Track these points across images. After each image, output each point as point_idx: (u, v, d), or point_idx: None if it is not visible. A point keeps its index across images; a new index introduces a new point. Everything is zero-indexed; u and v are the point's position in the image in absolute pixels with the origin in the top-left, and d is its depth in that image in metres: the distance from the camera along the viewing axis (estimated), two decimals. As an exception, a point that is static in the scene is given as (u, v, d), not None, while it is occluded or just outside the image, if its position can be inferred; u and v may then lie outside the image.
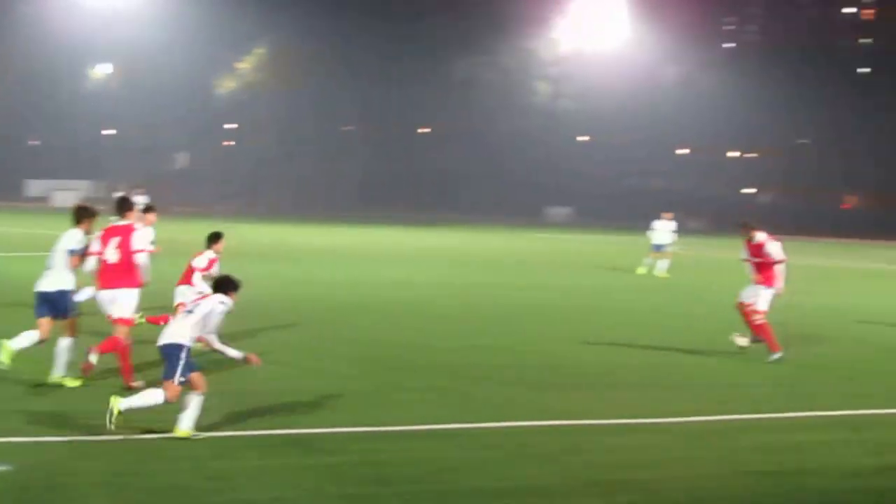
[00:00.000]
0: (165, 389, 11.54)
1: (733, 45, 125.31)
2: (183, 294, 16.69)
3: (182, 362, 11.54)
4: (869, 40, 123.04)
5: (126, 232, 14.48)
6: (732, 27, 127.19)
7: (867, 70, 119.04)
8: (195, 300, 12.39)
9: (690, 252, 48.37)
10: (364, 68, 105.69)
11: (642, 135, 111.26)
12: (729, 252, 46.13)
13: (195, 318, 11.79)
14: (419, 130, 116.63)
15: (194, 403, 11.50)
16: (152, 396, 11.60)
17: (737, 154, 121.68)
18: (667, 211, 39.51)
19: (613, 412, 13.75)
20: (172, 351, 11.61)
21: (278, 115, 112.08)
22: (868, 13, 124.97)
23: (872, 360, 19.44)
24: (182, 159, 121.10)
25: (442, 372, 16.27)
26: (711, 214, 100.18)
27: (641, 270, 38.04)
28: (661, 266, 37.68)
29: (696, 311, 26.74)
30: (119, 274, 14.37)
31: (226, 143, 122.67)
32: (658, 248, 37.98)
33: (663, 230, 38.16)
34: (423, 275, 35.09)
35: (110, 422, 11.32)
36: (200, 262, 17.06)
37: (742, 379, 16.85)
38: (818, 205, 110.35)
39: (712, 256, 51.10)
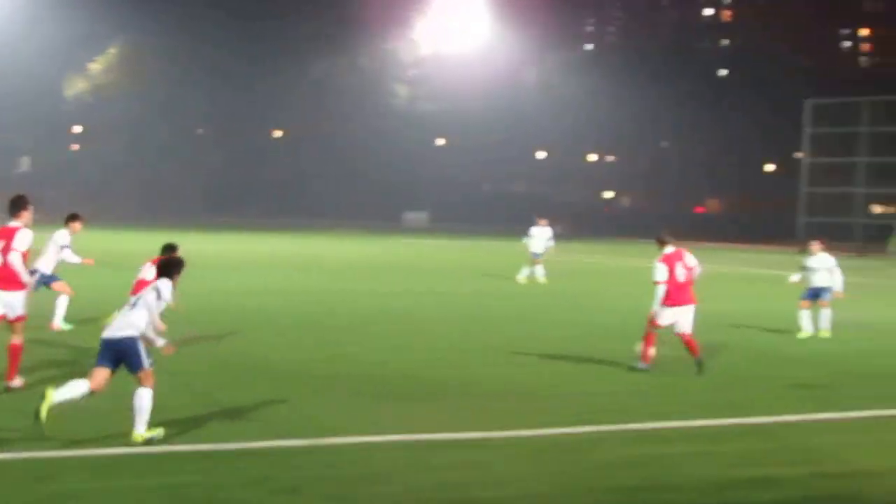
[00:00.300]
0: (143, 381, 11.89)
1: (593, 46, 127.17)
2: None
3: (142, 350, 11.98)
4: (727, 42, 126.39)
5: (9, 234, 14.61)
6: (592, 29, 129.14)
7: (725, 72, 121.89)
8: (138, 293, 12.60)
9: (561, 257, 48.67)
10: (218, 69, 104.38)
11: (502, 138, 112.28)
12: (591, 257, 46.38)
13: (140, 310, 12.12)
14: (274, 133, 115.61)
15: (146, 402, 11.86)
16: (79, 386, 11.95)
17: (596, 157, 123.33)
18: (542, 217, 39.63)
19: (465, 425, 13.35)
20: (128, 344, 11.94)
21: (129, 118, 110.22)
22: (727, 14, 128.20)
23: (740, 367, 19.43)
24: (24, 163, 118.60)
25: (285, 382, 15.87)
26: (571, 219, 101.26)
27: (522, 279, 37.56)
28: (540, 273, 37.65)
29: (567, 319, 26.56)
30: (7, 276, 14.55)
31: (73, 147, 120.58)
32: (536, 256, 37.89)
33: (540, 237, 38.19)
34: (274, 282, 34.60)
35: (38, 416, 11.60)
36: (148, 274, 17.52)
37: (609, 388, 16.66)
38: (681, 208, 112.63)
39: (579, 261, 51.32)
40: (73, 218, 21.11)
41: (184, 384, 15.45)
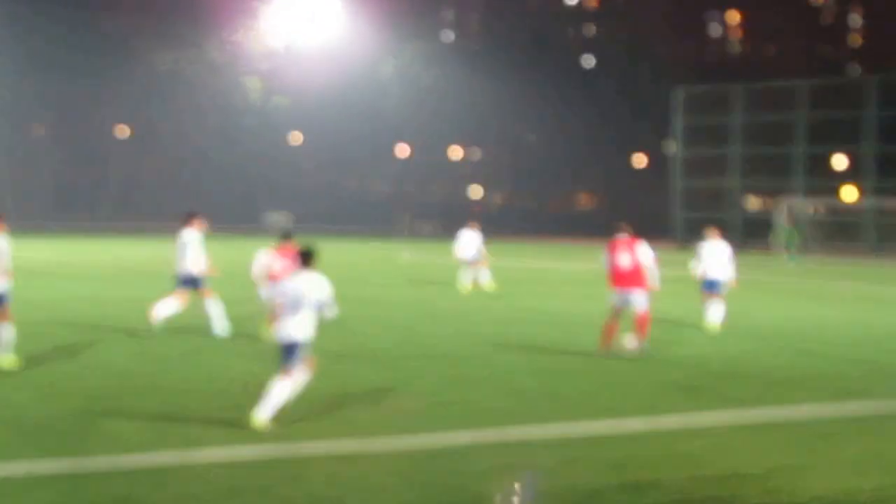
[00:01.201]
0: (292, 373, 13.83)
1: (453, 35, 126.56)
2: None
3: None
4: (593, 29, 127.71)
5: None
6: (452, 17, 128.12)
7: (592, 60, 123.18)
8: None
9: (433, 260, 48.55)
10: (53, 63, 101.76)
11: (361, 133, 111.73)
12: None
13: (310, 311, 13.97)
14: (118, 130, 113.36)
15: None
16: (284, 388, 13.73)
17: (461, 152, 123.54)
18: (473, 220, 39.72)
19: (340, 435, 13.47)
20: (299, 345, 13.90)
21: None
22: (591, 2, 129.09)
23: (619, 369, 19.63)
24: None
25: (153, 397, 15.67)
26: (440, 218, 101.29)
27: (464, 289, 36.72)
28: (485, 277, 37.47)
29: (456, 328, 26.40)
30: None
31: None
32: (471, 259, 37.36)
33: (471, 241, 37.85)
34: (117, 290, 34.14)
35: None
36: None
37: (490, 393, 16.73)
38: (553, 205, 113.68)
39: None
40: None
41: None
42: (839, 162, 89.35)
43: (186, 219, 23.36)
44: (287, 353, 13.80)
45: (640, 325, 20.89)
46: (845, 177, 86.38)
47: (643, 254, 21.05)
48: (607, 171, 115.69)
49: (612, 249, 21.16)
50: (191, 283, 23.18)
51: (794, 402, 16.60)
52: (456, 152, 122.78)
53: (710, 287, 25.76)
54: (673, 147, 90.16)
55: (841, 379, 19.13)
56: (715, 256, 25.83)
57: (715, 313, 25.67)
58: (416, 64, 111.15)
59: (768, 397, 17.05)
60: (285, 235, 22.70)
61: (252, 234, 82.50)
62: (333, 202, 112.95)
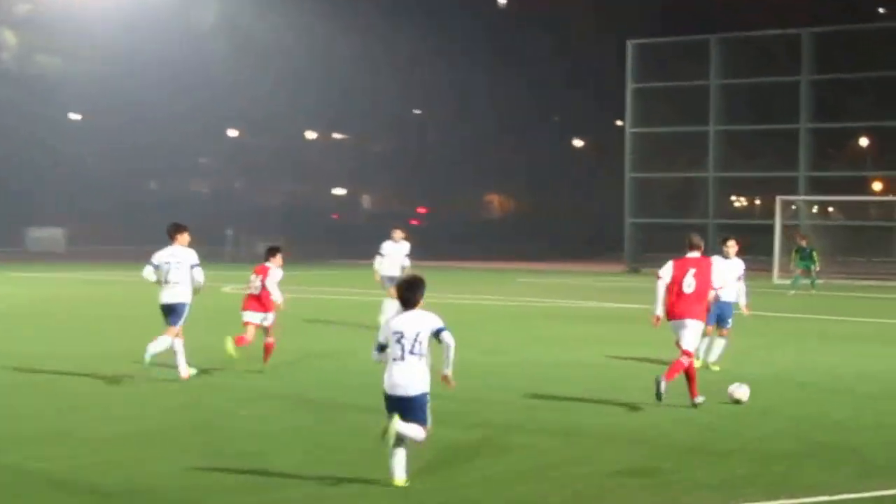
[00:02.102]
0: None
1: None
2: None
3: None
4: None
5: None
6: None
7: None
8: None
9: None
10: None
11: (174, 112, 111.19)
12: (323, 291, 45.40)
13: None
14: None
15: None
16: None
17: (315, 137, 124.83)
18: (398, 228, 40.04)
19: None
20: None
21: None
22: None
23: (548, 450, 19.33)
24: None
25: None
26: (285, 231, 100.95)
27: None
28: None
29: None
30: None
31: None
32: (390, 282, 36.99)
33: (397, 254, 38.55)
34: None
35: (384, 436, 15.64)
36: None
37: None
38: (442, 211, 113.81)
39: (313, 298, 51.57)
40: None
41: None
42: (856, 145, 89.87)
43: None
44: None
45: (690, 371, 23.08)
46: (868, 164, 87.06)
47: (718, 283, 24.28)
48: (530, 165, 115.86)
49: (682, 268, 23.31)
50: None
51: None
52: (309, 137, 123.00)
53: (719, 317, 28.23)
54: (624, 124, 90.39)
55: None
56: (734, 274, 28.53)
57: (715, 351, 28.40)
58: (250, 12, 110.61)
59: (739, 481, 17.19)
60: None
61: (9, 260, 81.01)
62: (127, 211, 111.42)
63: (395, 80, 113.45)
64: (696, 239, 23.46)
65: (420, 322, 15.88)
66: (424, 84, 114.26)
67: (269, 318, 27.12)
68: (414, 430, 15.76)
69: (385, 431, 15.62)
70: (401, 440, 15.78)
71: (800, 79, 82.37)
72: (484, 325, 40.00)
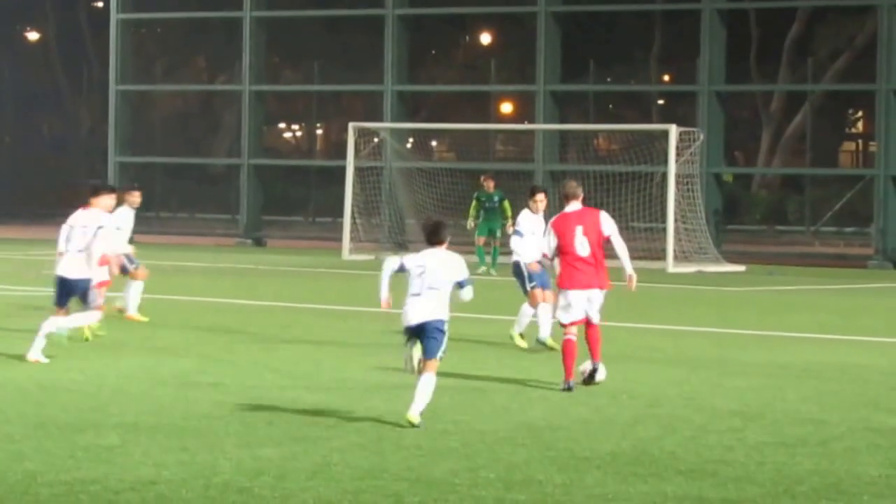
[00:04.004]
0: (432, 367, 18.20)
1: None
2: None
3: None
4: None
5: None
6: None
7: None
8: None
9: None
10: None
11: None
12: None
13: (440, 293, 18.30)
14: None
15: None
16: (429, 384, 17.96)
17: None
18: (132, 187, 36.26)
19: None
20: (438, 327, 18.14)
21: None
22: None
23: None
24: None
25: None
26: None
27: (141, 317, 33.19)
28: (134, 292, 32.93)
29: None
30: None
31: None
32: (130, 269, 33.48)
33: (122, 225, 32.96)
34: None
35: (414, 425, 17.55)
36: None
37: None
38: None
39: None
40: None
41: None
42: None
43: None
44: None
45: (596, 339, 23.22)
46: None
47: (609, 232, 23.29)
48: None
49: (566, 225, 22.95)
50: None
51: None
52: None
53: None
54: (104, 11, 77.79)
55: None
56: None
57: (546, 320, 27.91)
58: None
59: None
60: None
61: None
62: None
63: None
64: (573, 187, 22.82)
65: (445, 263, 17.77)
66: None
67: None
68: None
69: (410, 358, 17.53)
70: (421, 371, 17.65)
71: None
72: None
